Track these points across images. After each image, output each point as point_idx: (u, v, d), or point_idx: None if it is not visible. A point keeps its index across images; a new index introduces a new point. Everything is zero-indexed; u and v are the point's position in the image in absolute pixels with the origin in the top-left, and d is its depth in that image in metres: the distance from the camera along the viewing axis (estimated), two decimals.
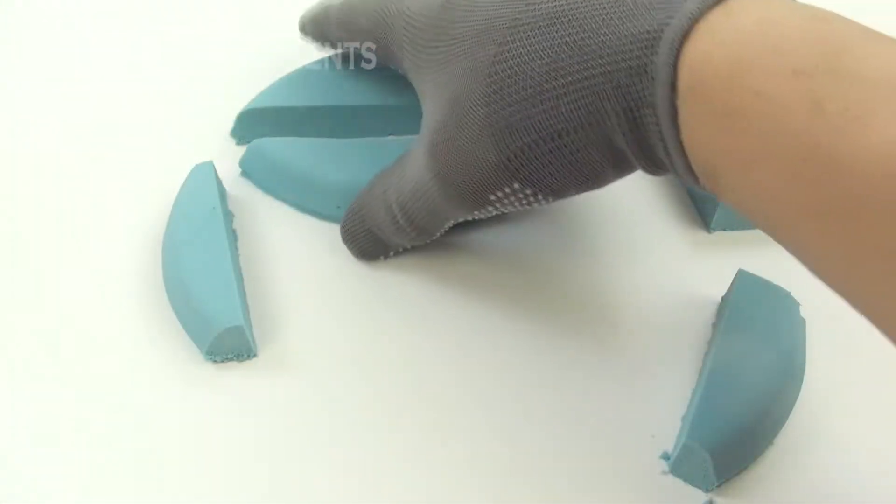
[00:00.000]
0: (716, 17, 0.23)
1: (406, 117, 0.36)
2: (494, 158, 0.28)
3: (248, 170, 0.37)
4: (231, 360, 0.31)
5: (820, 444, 0.30)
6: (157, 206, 0.35)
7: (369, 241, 0.34)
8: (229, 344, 0.30)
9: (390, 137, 0.38)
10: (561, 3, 0.27)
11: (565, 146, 0.27)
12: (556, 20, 0.27)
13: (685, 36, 0.23)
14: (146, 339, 0.32)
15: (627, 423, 0.30)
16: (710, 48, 0.23)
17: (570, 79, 0.26)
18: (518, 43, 0.27)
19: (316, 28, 0.38)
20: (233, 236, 0.34)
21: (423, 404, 0.31)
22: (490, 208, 0.30)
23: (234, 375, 0.31)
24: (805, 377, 0.31)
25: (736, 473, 0.29)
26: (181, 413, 0.30)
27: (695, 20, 0.23)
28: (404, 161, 0.32)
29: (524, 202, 0.29)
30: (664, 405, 0.31)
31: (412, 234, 0.33)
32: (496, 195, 0.29)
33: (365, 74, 0.38)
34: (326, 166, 0.36)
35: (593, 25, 0.26)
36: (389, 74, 0.36)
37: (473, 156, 0.28)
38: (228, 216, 0.35)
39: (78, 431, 0.29)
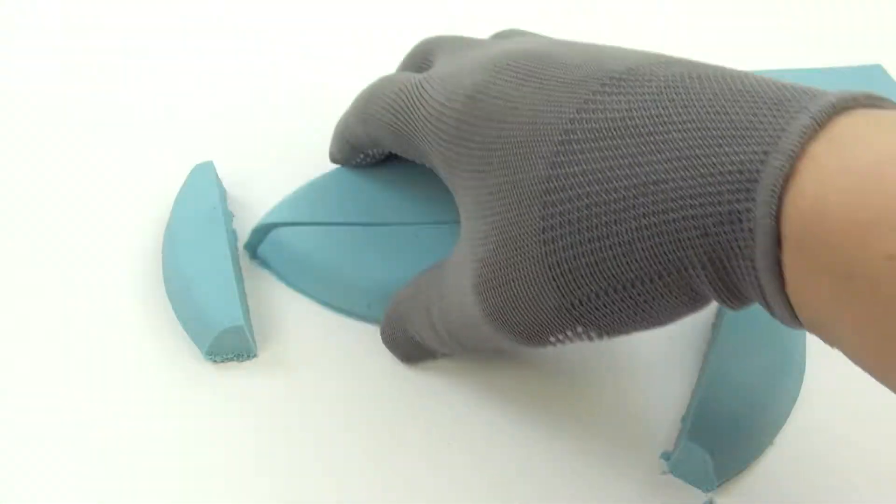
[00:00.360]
0: (821, 152, 0.20)
1: (439, 209, 0.33)
2: (555, 303, 0.24)
3: (266, 258, 0.34)
4: (231, 360, 0.31)
5: (820, 444, 0.30)
6: (157, 206, 0.35)
7: (414, 347, 0.31)
8: (229, 344, 0.30)
9: (423, 226, 0.33)
10: (622, 110, 0.23)
11: (639, 295, 0.23)
12: (619, 136, 0.23)
13: (787, 178, 0.20)
14: (146, 339, 0.32)
15: (627, 424, 0.30)
16: (820, 194, 0.19)
17: (644, 221, 0.22)
18: (574, 166, 0.23)
19: (341, 143, 0.34)
20: (233, 236, 0.34)
21: (424, 403, 0.31)
22: (548, 347, 0.26)
23: (234, 375, 0.31)
24: (805, 377, 0.31)
25: (736, 473, 0.29)
26: (181, 413, 0.30)
27: (796, 157, 0.20)
28: (446, 274, 0.28)
29: (585, 339, 0.25)
30: (664, 405, 0.31)
31: (461, 351, 0.30)
32: (556, 337, 0.25)
33: (397, 176, 0.34)
34: (356, 261, 0.32)
35: (668, 151, 0.22)
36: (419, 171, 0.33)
37: (530, 298, 0.25)
38: (228, 216, 0.35)
39: (78, 431, 0.29)
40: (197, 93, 0.41)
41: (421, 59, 0.33)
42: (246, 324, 0.30)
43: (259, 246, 0.34)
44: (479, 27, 0.44)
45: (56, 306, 0.33)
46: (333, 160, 0.35)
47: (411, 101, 0.29)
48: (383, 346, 0.32)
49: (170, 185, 0.35)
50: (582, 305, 0.24)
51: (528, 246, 0.24)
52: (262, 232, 0.34)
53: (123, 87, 0.41)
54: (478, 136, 0.26)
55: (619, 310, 0.24)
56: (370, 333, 0.32)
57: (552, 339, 0.25)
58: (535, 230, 0.24)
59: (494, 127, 0.25)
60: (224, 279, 0.31)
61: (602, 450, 0.30)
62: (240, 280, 0.33)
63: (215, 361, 0.31)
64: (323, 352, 0.32)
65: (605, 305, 0.24)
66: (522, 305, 0.25)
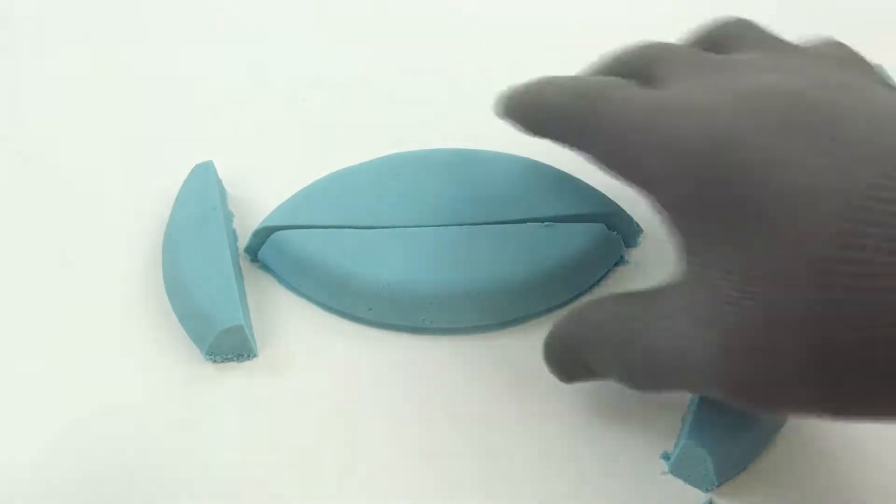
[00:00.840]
0: None
1: (441, 211, 0.33)
2: (811, 398, 0.21)
3: (266, 261, 0.34)
4: (231, 360, 0.31)
5: (820, 444, 0.30)
6: (157, 205, 0.35)
7: (582, 371, 0.28)
8: (229, 344, 0.30)
9: (424, 228, 0.33)
10: None
11: None
12: None
13: None
14: (146, 339, 0.32)
15: (627, 423, 0.30)
16: None
17: None
18: (862, 252, 0.20)
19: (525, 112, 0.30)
20: (233, 236, 0.34)
21: (425, 406, 0.31)
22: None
23: (234, 376, 0.31)
24: None
25: (736, 473, 0.29)
26: (181, 413, 0.30)
27: None
28: (658, 314, 0.25)
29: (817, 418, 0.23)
30: (664, 405, 0.31)
31: (642, 390, 0.27)
32: (795, 413, 0.24)
33: (398, 178, 0.34)
34: (357, 264, 0.32)
35: None
36: (433, 168, 0.34)
37: (783, 387, 0.22)
38: (229, 216, 0.35)
39: (78, 431, 0.29)
40: (197, 92, 0.41)
41: (640, 66, 0.28)
42: (246, 324, 0.30)
43: (259, 249, 0.34)
44: (478, 30, 0.44)
45: (56, 307, 0.33)
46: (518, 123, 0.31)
47: (647, 118, 0.25)
48: (384, 349, 0.32)
49: (170, 184, 0.35)
50: (842, 409, 0.21)
51: (791, 334, 0.21)
52: (263, 235, 0.33)
53: (123, 87, 0.41)
54: (733, 185, 0.22)
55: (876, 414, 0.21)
56: (371, 336, 0.32)
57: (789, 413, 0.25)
58: (801, 315, 0.21)
59: (755, 181, 0.22)
60: (224, 279, 0.31)
61: (601, 449, 0.30)
62: (240, 280, 0.33)
63: (215, 361, 0.31)
64: (324, 354, 0.32)
65: (869, 400, 0.21)
66: (770, 389, 0.22)
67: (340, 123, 0.40)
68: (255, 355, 0.31)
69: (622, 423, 0.30)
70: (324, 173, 0.35)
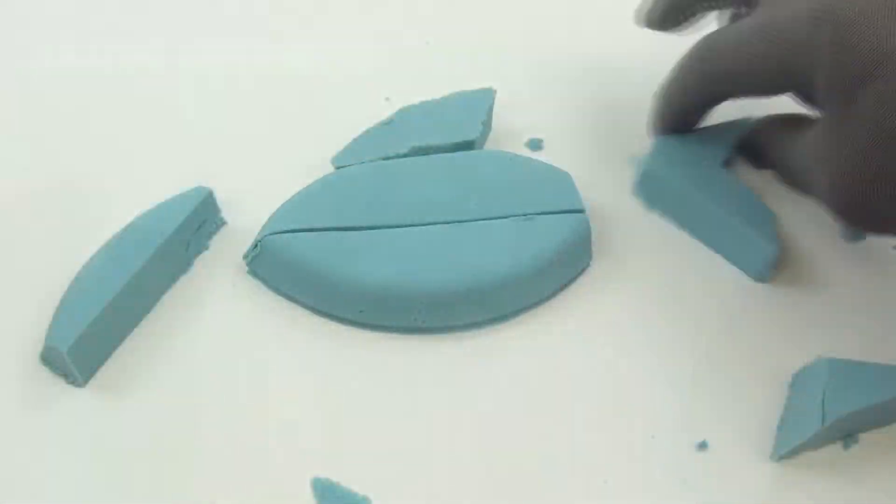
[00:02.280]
0: None
1: (432, 210, 0.34)
2: None
3: (254, 266, 0.34)
4: (59, 375, 0.31)
5: None
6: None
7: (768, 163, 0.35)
8: (56, 360, 0.30)
9: (417, 228, 0.33)
10: None
11: None
12: None
13: None
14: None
15: (624, 415, 0.31)
16: None
17: None
18: None
19: (670, 107, 0.36)
20: (179, 266, 0.34)
21: (420, 406, 0.31)
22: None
23: (230, 376, 0.31)
24: None
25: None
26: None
27: None
28: (797, 141, 0.32)
29: None
30: (664, 406, 0.31)
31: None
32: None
33: (389, 178, 0.35)
34: (347, 266, 0.32)
35: None
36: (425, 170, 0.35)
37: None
38: (192, 247, 0.34)
39: None
40: (191, 98, 0.41)
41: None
42: (77, 350, 0.30)
43: (259, 256, 0.33)
44: (475, 43, 0.44)
45: None
46: (660, 130, 0.37)
47: (760, 32, 0.30)
48: (376, 352, 0.32)
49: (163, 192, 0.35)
50: None
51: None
52: (266, 242, 0.33)
53: (122, 88, 0.41)
54: (840, 59, 0.27)
55: None
56: (363, 338, 0.32)
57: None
58: None
59: (855, 53, 0.27)
60: (92, 300, 0.31)
61: (602, 449, 0.30)
62: (125, 313, 0.32)
63: (49, 369, 0.31)
64: (315, 358, 0.32)
65: None
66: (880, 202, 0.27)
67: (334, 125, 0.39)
68: (81, 384, 0.31)
69: (619, 416, 0.31)
70: (311, 179, 0.35)
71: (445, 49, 0.43)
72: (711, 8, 0.36)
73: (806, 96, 0.31)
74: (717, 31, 0.34)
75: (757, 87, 0.32)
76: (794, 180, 0.32)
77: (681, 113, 0.36)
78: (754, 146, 0.36)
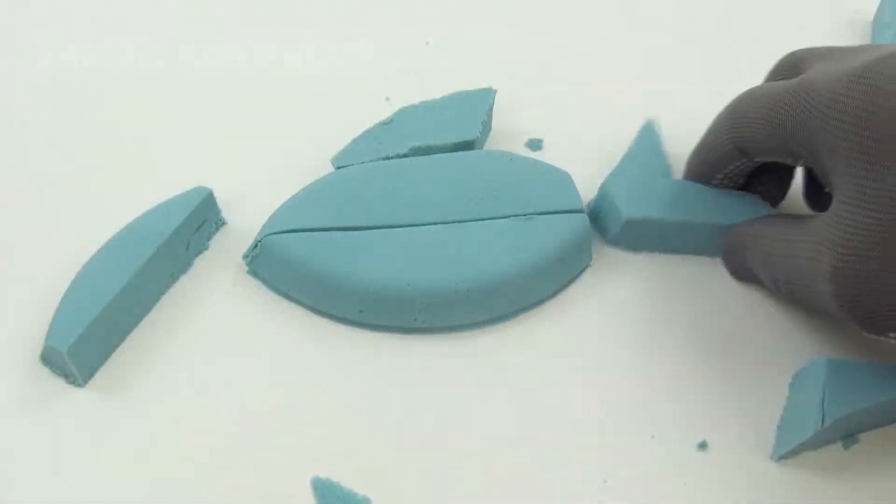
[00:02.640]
0: None
1: (431, 210, 0.34)
2: None
3: (254, 266, 0.34)
4: (59, 376, 0.31)
5: None
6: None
7: (747, 272, 0.33)
8: (56, 360, 0.31)
9: (417, 228, 0.33)
10: None
11: None
12: None
13: None
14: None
15: (623, 412, 0.31)
16: None
17: None
18: None
19: (699, 164, 0.35)
20: (179, 266, 0.34)
21: (420, 406, 0.31)
22: (881, 339, 0.28)
23: (228, 378, 0.31)
24: None
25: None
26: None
27: None
28: (797, 237, 0.29)
29: None
30: (660, 397, 0.31)
31: (789, 301, 0.32)
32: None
33: (389, 178, 0.35)
34: (347, 266, 0.32)
35: None
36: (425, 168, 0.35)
37: (889, 302, 0.26)
38: (192, 247, 0.34)
39: None
40: (191, 98, 0.41)
41: (788, 70, 0.33)
42: (78, 350, 0.30)
43: (259, 256, 0.33)
44: (475, 43, 0.44)
45: None
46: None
47: (794, 92, 0.29)
48: (377, 352, 0.32)
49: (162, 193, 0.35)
50: None
51: None
52: (266, 242, 0.33)
53: (122, 88, 0.41)
54: (869, 123, 0.26)
55: None
56: (364, 338, 0.32)
57: (893, 336, 0.27)
58: None
59: (886, 119, 0.26)
60: (94, 299, 0.31)
61: (601, 449, 0.30)
62: (130, 309, 0.32)
63: (49, 369, 0.31)
64: (316, 358, 0.32)
65: None
66: (883, 306, 0.26)
67: (329, 125, 0.39)
68: (81, 384, 0.31)
69: (619, 416, 0.31)
70: (311, 179, 0.35)
71: (445, 49, 0.43)
72: (747, 166, 0.33)
73: (823, 169, 0.29)
74: (757, 86, 0.33)
75: (780, 146, 0.30)
76: (788, 280, 0.30)
77: (708, 166, 0.34)
78: (732, 252, 0.34)
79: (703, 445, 0.30)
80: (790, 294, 0.30)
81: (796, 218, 0.31)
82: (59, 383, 0.31)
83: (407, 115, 0.38)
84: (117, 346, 0.32)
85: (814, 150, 0.28)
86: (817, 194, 0.34)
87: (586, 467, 0.29)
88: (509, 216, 0.33)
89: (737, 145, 0.32)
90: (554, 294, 0.34)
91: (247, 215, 0.35)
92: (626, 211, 0.34)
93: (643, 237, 0.35)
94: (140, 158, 0.38)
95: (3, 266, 0.34)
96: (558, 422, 0.30)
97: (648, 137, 0.37)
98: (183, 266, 0.34)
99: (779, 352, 0.32)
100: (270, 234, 0.33)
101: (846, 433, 0.30)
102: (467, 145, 0.36)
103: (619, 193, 0.34)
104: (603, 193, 0.35)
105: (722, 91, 0.33)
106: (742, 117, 0.32)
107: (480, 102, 0.38)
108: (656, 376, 0.32)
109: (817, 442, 0.29)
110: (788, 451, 0.29)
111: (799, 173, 0.35)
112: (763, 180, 0.34)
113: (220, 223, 0.35)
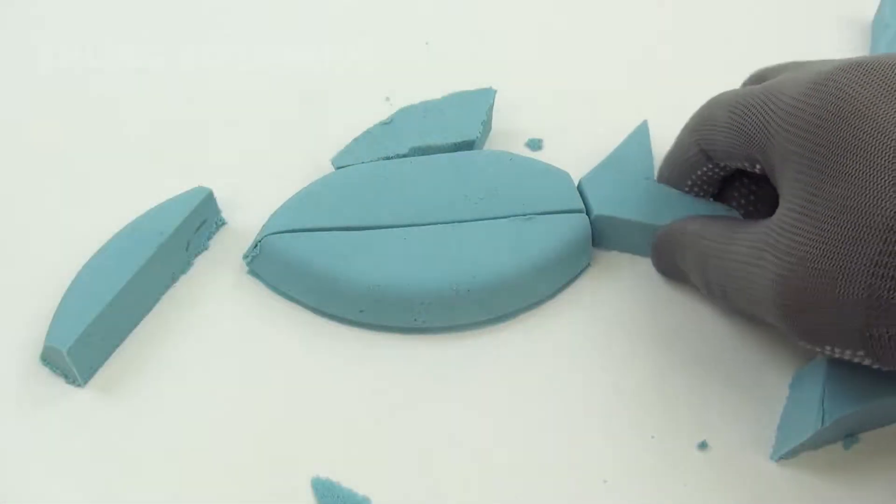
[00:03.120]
0: None
1: (429, 210, 0.34)
2: (857, 328, 0.25)
3: (255, 267, 0.34)
4: (59, 375, 0.31)
5: None
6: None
7: (677, 272, 0.33)
8: (56, 360, 0.31)
9: (417, 228, 0.33)
10: None
11: None
12: None
13: None
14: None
15: (622, 412, 0.31)
16: None
17: None
18: None
19: (670, 165, 0.34)
20: (179, 266, 0.34)
21: (421, 406, 0.31)
22: (816, 354, 0.27)
23: (227, 379, 0.31)
24: None
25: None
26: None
27: None
28: (735, 240, 0.29)
29: (855, 360, 0.26)
30: (664, 406, 0.31)
31: (722, 304, 0.32)
32: (834, 351, 0.26)
33: (388, 178, 0.35)
34: (347, 266, 0.32)
35: None
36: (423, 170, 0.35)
37: (833, 314, 0.25)
38: (192, 247, 0.34)
39: None
40: (191, 98, 0.41)
41: (757, 81, 0.33)
42: (77, 352, 0.30)
43: (259, 256, 0.33)
44: (475, 43, 0.44)
45: None
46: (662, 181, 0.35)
47: (757, 96, 0.29)
48: (376, 352, 0.32)
49: (162, 193, 0.35)
50: (879, 340, 0.24)
51: (851, 269, 0.24)
52: (266, 242, 0.33)
53: (122, 88, 0.41)
54: (822, 131, 0.26)
55: None
56: (364, 338, 0.32)
57: (829, 349, 0.26)
58: (866, 260, 0.24)
59: (839, 127, 0.25)
60: (93, 299, 0.31)
61: (601, 449, 0.30)
62: (131, 309, 0.32)
63: (49, 369, 0.31)
64: (317, 358, 0.32)
65: None
66: (821, 316, 0.25)
67: (328, 126, 0.39)
68: (81, 384, 0.31)
69: (619, 416, 0.31)
70: (311, 179, 0.35)
71: (445, 49, 0.43)
72: (715, 173, 0.33)
73: (773, 175, 0.29)
74: (724, 91, 0.32)
75: (739, 150, 0.30)
76: (721, 283, 0.29)
77: (677, 170, 0.34)
78: (664, 250, 0.33)
79: (703, 445, 0.30)
80: (723, 296, 0.30)
81: (735, 221, 0.31)
82: (59, 383, 0.31)
83: (407, 115, 0.38)
84: (117, 346, 0.32)
85: (768, 154, 0.28)
86: (750, 202, 0.34)
87: (586, 467, 0.29)
88: (509, 216, 0.33)
89: (702, 148, 0.32)
90: (554, 294, 0.34)
91: (247, 215, 0.36)
92: (597, 209, 0.34)
93: (614, 237, 0.35)
94: (140, 158, 0.38)
95: (3, 266, 0.34)
96: (558, 422, 0.30)
97: (638, 138, 0.37)
98: (183, 266, 0.34)
99: (779, 352, 0.32)
100: (270, 234, 0.33)
101: (846, 433, 0.30)
102: (467, 145, 0.36)
103: (592, 191, 0.35)
104: (578, 190, 0.35)
105: (722, 91, 0.33)
106: (706, 121, 0.32)
107: (480, 102, 0.38)
108: (656, 376, 0.32)
109: (817, 442, 0.29)
110: (788, 451, 0.29)
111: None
112: (741, 192, 0.34)
113: (220, 223, 0.35)
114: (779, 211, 0.27)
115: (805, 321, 0.26)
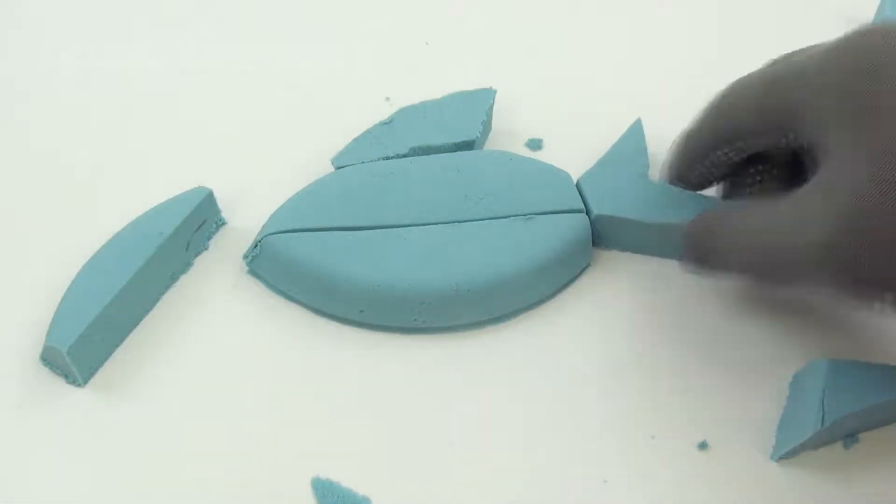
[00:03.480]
0: None
1: (429, 210, 0.34)
2: None
3: (255, 267, 0.34)
4: (59, 375, 0.31)
5: None
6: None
7: (713, 261, 0.32)
8: (56, 360, 0.31)
9: (417, 228, 0.33)
10: None
11: None
12: None
13: None
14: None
15: (621, 412, 0.31)
16: None
17: None
18: None
19: (684, 155, 0.34)
20: (179, 266, 0.34)
21: (422, 406, 0.31)
22: (863, 307, 0.27)
23: (227, 381, 0.31)
24: None
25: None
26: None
27: None
28: (778, 207, 0.29)
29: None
30: (664, 406, 0.31)
31: (765, 289, 0.33)
32: (886, 302, 0.26)
33: (388, 178, 0.35)
34: (348, 266, 0.32)
35: None
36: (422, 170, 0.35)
37: (887, 258, 0.25)
38: (192, 247, 0.34)
39: None
40: (191, 98, 0.41)
41: None
42: (77, 352, 0.30)
43: (259, 256, 0.33)
44: (475, 43, 0.44)
45: None
46: (675, 179, 0.35)
47: (781, 69, 0.30)
48: (379, 352, 0.32)
49: (162, 193, 0.35)
50: None
51: None
52: (266, 242, 0.33)
53: (122, 88, 0.41)
54: (853, 89, 0.27)
55: None
56: (364, 338, 0.32)
57: (891, 296, 0.26)
58: None
59: (869, 81, 0.26)
60: (94, 299, 0.31)
61: (602, 449, 0.30)
62: (131, 309, 0.32)
63: (49, 369, 0.31)
64: (317, 358, 0.32)
65: None
66: (885, 258, 0.25)
67: (328, 126, 0.39)
68: (81, 384, 0.31)
69: (619, 416, 0.31)
70: (311, 179, 0.35)
71: (445, 49, 0.43)
72: (730, 157, 0.33)
73: (810, 141, 0.29)
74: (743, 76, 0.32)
75: (769, 125, 0.30)
76: (766, 256, 0.29)
77: (690, 154, 0.34)
78: (699, 240, 0.32)
79: (703, 445, 0.30)
80: (770, 271, 0.29)
81: (768, 199, 0.30)
82: (59, 383, 0.31)
83: (407, 115, 0.38)
84: (117, 346, 0.32)
85: (803, 119, 0.29)
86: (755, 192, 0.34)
87: (586, 467, 0.29)
88: (509, 216, 0.33)
89: (724, 130, 0.32)
90: (554, 294, 0.34)
91: (247, 215, 0.36)
92: (596, 208, 0.34)
93: (614, 236, 0.35)
94: (140, 158, 0.38)
95: (4, 266, 0.34)
96: (558, 422, 0.30)
97: (633, 136, 0.37)
98: (183, 266, 0.34)
99: (779, 352, 0.32)
100: (270, 234, 0.33)
101: (846, 433, 0.30)
102: (467, 145, 0.36)
103: (591, 191, 0.35)
104: (577, 190, 0.35)
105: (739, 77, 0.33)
106: (732, 101, 0.32)
107: (480, 102, 0.38)
108: (656, 376, 0.32)
109: (817, 442, 0.29)
110: (788, 451, 0.29)
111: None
112: (751, 180, 0.34)
113: (220, 223, 0.35)
114: (823, 169, 0.27)
115: (866, 269, 0.26)
